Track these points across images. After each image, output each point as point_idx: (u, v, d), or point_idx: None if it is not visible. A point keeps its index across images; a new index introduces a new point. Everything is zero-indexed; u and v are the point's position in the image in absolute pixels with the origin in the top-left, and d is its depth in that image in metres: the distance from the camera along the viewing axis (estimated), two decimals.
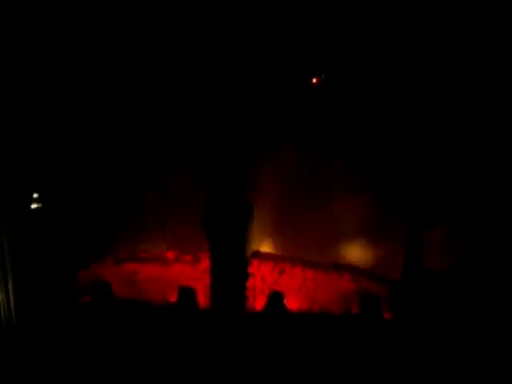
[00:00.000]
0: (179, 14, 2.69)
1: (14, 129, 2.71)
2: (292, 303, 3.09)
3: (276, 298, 3.02)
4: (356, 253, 3.23)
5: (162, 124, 3.00)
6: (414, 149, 2.92)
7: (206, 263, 3.13)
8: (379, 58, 2.78)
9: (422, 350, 2.66)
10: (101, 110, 2.93)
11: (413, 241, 2.88)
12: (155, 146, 3.08)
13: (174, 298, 3.06)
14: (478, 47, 2.67)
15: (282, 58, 2.65)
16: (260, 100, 2.65)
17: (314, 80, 2.92)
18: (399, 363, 2.59)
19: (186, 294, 3.01)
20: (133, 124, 3.01)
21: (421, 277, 2.88)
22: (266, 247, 3.33)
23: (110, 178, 3.19)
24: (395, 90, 2.88)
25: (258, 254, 3.21)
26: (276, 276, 3.14)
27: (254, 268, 3.11)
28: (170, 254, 3.26)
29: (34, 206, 2.97)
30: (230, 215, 2.68)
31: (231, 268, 2.75)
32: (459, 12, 2.62)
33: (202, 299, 3.05)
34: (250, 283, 2.94)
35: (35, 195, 2.99)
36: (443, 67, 2.77)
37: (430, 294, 2.87)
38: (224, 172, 2.66)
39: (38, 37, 2.61)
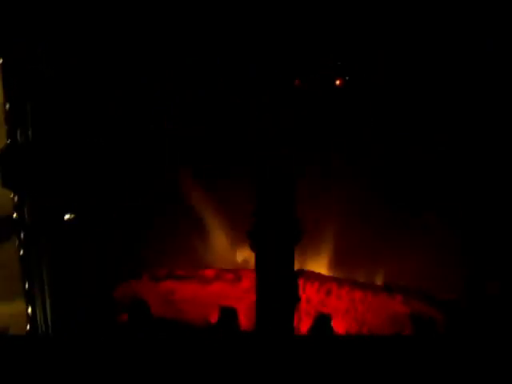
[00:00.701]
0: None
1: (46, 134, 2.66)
2: (339, 326, 2.93)
3: (323, 321, 2.87)
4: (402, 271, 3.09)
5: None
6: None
7: (247, 282, 3.00)
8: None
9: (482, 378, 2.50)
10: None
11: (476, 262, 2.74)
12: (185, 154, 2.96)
13: (214, 319, 2.92)
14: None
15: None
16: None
17: (338, 82, 2.82)
18: None
19: (228, 314, 2.88)
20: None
21: (485, 301, 2.74)
22: (309, 265, 3.19)
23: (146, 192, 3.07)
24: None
25: (302, 273, 3.05)
26: (322, 297, 2.99)
27: (299, 289, 2.94)
28: (210, 272, 3.12)
29: (70, 218, 2.86)
30: (281, 232, 2.54)
31: (280, 289, 2.60)
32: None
33: (244, 320, 2.92)
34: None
35: (72, 207, 2.89)
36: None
37: (491, 319, 2.71)
38: (275, 185, 2.52)
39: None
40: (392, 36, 2.65)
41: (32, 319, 2.59)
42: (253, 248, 2.65)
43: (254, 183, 2.54)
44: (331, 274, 3.12)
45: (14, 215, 2.70)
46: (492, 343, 2.65)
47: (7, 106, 2.63)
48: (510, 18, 2.51)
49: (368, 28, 2.63)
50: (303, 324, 2.95)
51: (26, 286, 2.60)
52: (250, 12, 2.47)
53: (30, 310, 2.59)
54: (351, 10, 2.60)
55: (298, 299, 2.75)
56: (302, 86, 2.67)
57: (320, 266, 3.16)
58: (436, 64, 2.70)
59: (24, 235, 2.63)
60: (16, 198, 2.69)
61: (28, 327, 2.62)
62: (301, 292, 2.96)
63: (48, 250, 2.61)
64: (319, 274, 3.09)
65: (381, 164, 2.94)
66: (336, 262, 3.15)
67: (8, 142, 2.67)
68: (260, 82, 2.48)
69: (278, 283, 2.62)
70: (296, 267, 2.93)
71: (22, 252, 2.62)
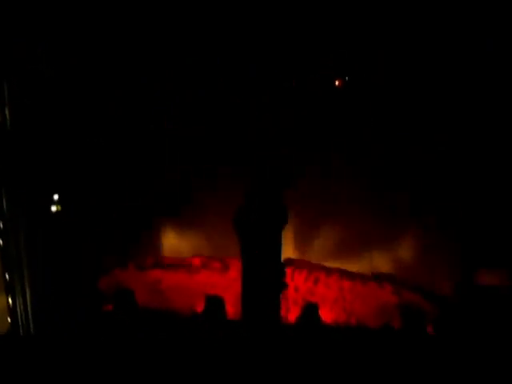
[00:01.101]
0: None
1: (29, 130, 2.64)
2: (327, 315, 2.88)
3: (311, 310, 2.83)
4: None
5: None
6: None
7: (234, 271, 2.95)
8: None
9: (469, 370, 2.46)
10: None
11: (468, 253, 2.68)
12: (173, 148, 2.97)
13: (200, 308, 2.89)
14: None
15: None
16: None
17: (337, 82, 2.83)
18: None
19: (214, 303, 2.84)
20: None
21: (476, 293, 2.68)
22: (296, 254, 3.14)
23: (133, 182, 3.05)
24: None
25: (290, 262, 3.00)
26: (310, 285, 2.94)
27: (287, 276, 2.89)
28: (197, 261, 3.07)
29: (53, 208, 2.81)
30: (267, 217, 2.46)
31: (267, 276, 2.53)
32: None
33: (231, 309, 2.88)
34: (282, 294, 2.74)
35: (55, 197, 2.84)
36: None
37: (483, 312, 2.66)
38: (261, 171, 2.45)
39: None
40: (392, 37, 2.62)
41: (12, 311, 2.54)
42: (239, 233, 2.60)
43: (242, 170, 2.50)
44: (322, 263, 3.06)
45: None
46: (482, 334, 2.63)
47: None
48: (510, 18, 2.48)
49: (368, 29, 2.60)
50: (291, 313, 2.90)
51: (7, 277, 2.55)
52: (250, 13, 2.43)
53: (10, 301, 2.55)
54: (351, 11, 2.56)
55: (285, 286, 2.70)
56: (299, 85, 2.66)
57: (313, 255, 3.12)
58: (436, 64, 2.67)
59: (3, 225, 2.57)
60: None
61: (9, 320, 2.58)
62: (289, 280, 2.92)
63: (27, 240, 2.55)
64: (308, 263, 3.04)
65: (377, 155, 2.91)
66: (328, 251, 3.10)
67: None
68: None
69: (263, 268, 2.56)
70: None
71: (1, 242, 2.56)
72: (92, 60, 2.70)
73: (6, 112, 2.50)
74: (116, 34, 2.66)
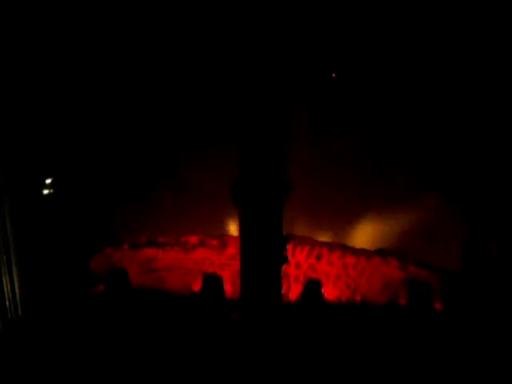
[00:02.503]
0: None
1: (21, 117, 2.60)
2: (330, 292, 2.79)
3: (313, 287, 2.73)
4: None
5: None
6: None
7: (232, 248, 2.86)
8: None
9: (477, 346, 2.37)
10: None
11: (474, 226, 2.59)
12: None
13: (197, 287, 2.79)
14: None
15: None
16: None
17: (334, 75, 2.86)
18: (451, 360, 2.31)
19: (212, 282, 2.73)
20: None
21: (481, 267, 2.60)
22: (299, 229, 3.04)
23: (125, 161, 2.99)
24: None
25: (291, 238, 2.89)
26: (312, 262, 2.83)
27: (288, 253, 2.80)
28: (194, 239, 2.96)
29: (45, 191, 2.73)
30: (266, 186, 2.33)
31: (267, 249, 2.41)
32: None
33: (229, 288, 2.78)
34: (283, 269, 2.64)
35: (48, 180, 2.76)
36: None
37: (490, 286, 2.57)
38: (258, 133, 2.30)
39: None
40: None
41: None
42: (236, 203, 2.46)
43: (237, 133, 2.36)
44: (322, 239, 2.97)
45: None
46: (489, 310, 2.54)
47: None
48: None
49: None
50: (293, 291, 2.81)
51: None
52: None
53: None
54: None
55: (286, 260, 2.60)
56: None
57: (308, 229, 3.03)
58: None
59: None
60: None
61: None
62: (290, 257, 2.82)
63: (14, 223, 2.43)
64: (309, 239, 2.93)
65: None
66: (328, 227, 3.02)
67: None
68: None
69: (264, 241, 2.43)
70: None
71: None
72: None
73: None
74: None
